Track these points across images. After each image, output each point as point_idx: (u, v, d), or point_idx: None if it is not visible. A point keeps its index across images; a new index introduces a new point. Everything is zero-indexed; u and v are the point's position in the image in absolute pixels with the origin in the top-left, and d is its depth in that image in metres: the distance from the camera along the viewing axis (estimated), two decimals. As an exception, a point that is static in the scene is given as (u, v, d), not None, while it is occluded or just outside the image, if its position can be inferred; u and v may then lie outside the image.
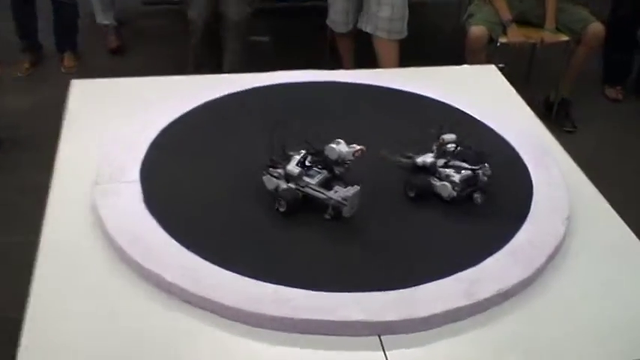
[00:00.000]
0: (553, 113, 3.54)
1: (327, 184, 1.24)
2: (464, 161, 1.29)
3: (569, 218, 1.25)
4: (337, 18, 3.32)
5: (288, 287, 1.06)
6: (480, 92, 1.72)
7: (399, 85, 1.68)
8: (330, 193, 1.21)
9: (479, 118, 1.54)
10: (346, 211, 1.20)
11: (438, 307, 1.05)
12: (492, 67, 1.90)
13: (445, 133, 1.32)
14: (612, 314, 1.09)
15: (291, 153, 1.27)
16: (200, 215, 1.22)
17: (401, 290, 1.07)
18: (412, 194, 1.28)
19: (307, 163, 1.25)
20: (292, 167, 1.24)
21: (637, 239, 1.26)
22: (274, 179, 1.25)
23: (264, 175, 1.26)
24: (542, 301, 1.11)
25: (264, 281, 1.07)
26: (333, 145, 1.24)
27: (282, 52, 3.89)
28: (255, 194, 1.27)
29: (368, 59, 3.20)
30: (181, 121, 1.49)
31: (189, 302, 1.06)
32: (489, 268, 1.12)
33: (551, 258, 1.17)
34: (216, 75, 1.80)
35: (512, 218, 1.24)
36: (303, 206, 1.23)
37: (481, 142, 1.34)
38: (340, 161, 1.24)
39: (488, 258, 1.14)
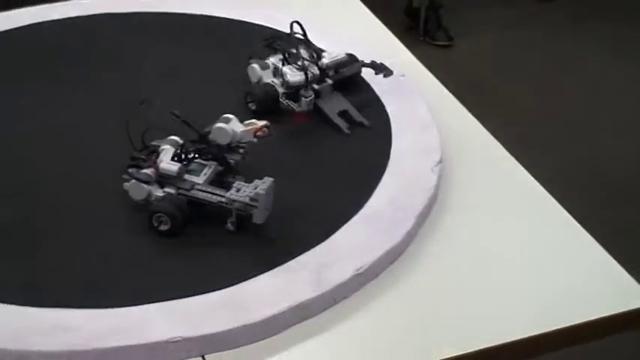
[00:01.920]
0: (420, 24, 3.64)
1: (219, 182, 1.20)
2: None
3: (441, 163, 1.32)
4: None
5: (62, 309, 1.06)
6: (305, 1, 1.75)
7: (193, 8, 1.71)
8: (232, 194, 1.15)
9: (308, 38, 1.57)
10: (258, 216, 1.15)
11: (280, 305, 1.07)
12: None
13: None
14: (507, 286, 1.16)
15: (156, 143, 1.21)
16: None
17: (225, 290, 1.09)
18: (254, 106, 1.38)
19: (185, 155, 1.20)
20: (168, 164, 1.18)
21: (535, 181, 1.34)
22: (144, 185, 1.18)
23: (125, 180, 1.19)
24: (414, 277, 1.16)
25: (24, 305, 1.06)
26: (223, 125, 1.19)
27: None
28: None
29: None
30: None
31: None
32: (340, 244, 1.16)
33: (422, 219, 1.23)
34: None
35: (365, 173, 1.29)
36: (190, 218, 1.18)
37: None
38: (234, 146, 1.21)
39: (337, 230, 1.18)
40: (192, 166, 1.20)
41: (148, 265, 1.14)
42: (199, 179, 1.19)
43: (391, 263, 1.17)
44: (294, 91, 1.38)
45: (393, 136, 1.37)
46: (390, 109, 1.43)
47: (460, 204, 1.28)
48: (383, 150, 1.33)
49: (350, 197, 1.24)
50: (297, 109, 1.38)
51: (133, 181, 1.19)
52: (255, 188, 1.15)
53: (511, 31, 3.78)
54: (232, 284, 1.10)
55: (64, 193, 1.26)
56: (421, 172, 1.29)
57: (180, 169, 1.18)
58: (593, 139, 3.13)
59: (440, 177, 1.29)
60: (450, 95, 1.53)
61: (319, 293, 1.09)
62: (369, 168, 1.30)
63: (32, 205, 1.24)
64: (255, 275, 1.11)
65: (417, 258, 1.19)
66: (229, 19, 1.69)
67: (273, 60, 1.44)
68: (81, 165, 1.31)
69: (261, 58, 1.45)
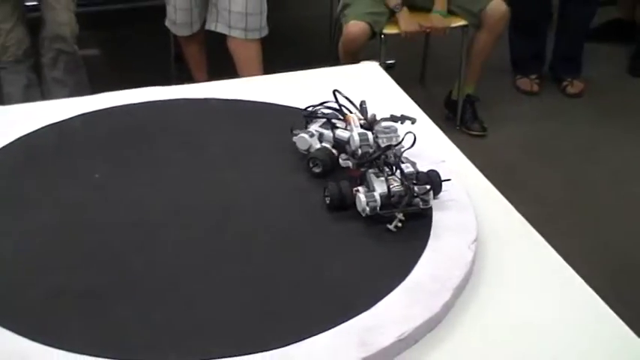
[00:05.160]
0: (458, 115, 3.69)
1: None
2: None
3: (477, 241, 1.33)
4: (179, 17, 3.34)
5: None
6: (361, 96, 1.78)
7: (262, 96, 1.74)
8: None
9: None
10: None
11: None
12: (375, 64, 1.98)
13: None
14: (536, 357, 1.16)
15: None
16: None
17: (273, 352, 1.10)
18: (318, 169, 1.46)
19: None
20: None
21: (563, 261, 1.34)
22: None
23: None
24: (450, 344, 1.16)
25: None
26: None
27: (115, 68, 3.89)
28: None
29: (226, 67, 3.25)
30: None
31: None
32: (384, 312, 1.17)
33: (459, 291, 1.24)
34: (26, 104, 1.79)
35: (407, 248, 1.30)
36: None
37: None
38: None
39: (382, 300, 1.19)
40: None
41: (192, 321, 1.15)
42: None
43: (430, 331, 1.17)
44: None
45: (433, 215, 1.38)
46: (431, 190, 1.45)
47: (493, 279, 1.29)
48: (424, 227, 1.34)
49: (394, 269, 1.25)
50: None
51: None
52: None
53: (539, 123, 3.81)
54: (278, 346, 1.10)
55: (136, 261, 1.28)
56: (459, 249, 1.30)
57: None
58: (618, 225, 3.14)
59: (475, 254, 1.30)
60: (486, 180, 1.54)
61: (364, 356, 1.10)
62: (412, 243, 1.31)
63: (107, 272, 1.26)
64: (300, 339, 1.12)
65: (454, 327, 1.19)
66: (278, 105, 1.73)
67: (314, 128, 1.51)
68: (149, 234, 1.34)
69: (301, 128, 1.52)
